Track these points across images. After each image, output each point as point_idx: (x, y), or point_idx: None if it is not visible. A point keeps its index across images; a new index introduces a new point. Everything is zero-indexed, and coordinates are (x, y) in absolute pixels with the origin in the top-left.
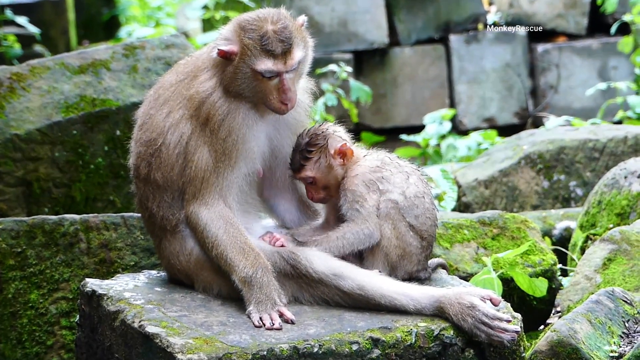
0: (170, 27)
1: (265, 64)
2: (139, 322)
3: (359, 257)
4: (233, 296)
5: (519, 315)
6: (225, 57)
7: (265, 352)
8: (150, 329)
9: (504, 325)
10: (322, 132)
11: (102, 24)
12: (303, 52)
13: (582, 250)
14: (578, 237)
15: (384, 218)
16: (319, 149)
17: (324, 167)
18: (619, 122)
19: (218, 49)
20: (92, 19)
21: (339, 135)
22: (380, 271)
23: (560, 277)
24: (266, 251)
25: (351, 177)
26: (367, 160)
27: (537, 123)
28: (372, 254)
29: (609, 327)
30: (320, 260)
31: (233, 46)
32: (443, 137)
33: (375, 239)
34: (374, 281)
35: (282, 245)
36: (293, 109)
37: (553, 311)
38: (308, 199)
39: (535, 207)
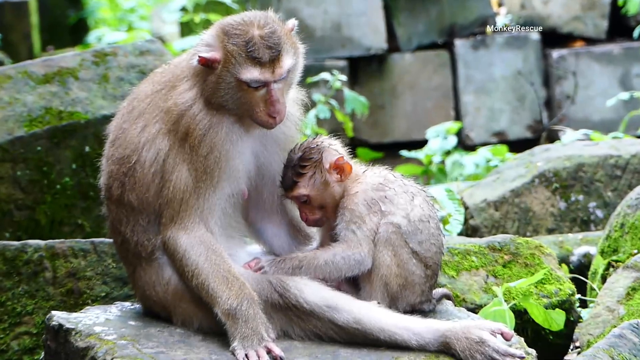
0: (145, 32)
1: (251, 73)
2: (111, 359)
3: (355, 286)
4: (215, 330)
5: (533, 351)
6: (206, 65)
7: None
8: None
9: None
10: (317, 145)
11: (68, 27)
12: (293, 59)
13: (604, 279)
14: (599, 264)
15: (384, 244)
16: (313, 163)
17: (319, 183)
18: None
19: (199, 56)
20: (58, 23)
21: (334, 149)
22: (379, 302)
23: (579, 309)
24: (252, 280)
25: (351, 194)
26: (368, 177)
27: (553, 137)
28: (369, 282)
29: None
30: (312, 289)
31: (215, 53)
32: (448, 153)
33: (365, 267)
34: (372, 314)
35: (261, 268)
36: (282, 122)
37: (571, 346)
38: (302, 220)
39: (550, 231)
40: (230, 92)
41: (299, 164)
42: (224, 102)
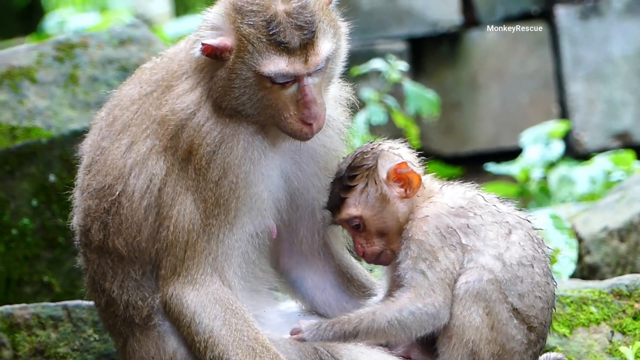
0: (125, 12)
1: (276, 64)
2: None
3: (429, 349)
4: None
5: None
6: (213, 56)
7: None
8: None
9: None
10: (372, 148)
11: (16, 11)
12: (333, 43)
13: None
14: None
15: (474, 297)
16: (365, 172)
17: (374, 199)
18: None
19: (202, 44)
20: (1, 6)
21: (396, 152)
22: None
23: None
24: (289, 349)
25: (418, 219)
26: (447, 196)
27: None
28: (450, 349)
29: None
30: None
31: (225, 38)
32: (552, 165)
33: (441, 322)
34: None
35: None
36: (321, 130)
37: None
38: (358, 255)
39: None
40: (248, 91)
41: (348, 174)
42: (239, 106)
